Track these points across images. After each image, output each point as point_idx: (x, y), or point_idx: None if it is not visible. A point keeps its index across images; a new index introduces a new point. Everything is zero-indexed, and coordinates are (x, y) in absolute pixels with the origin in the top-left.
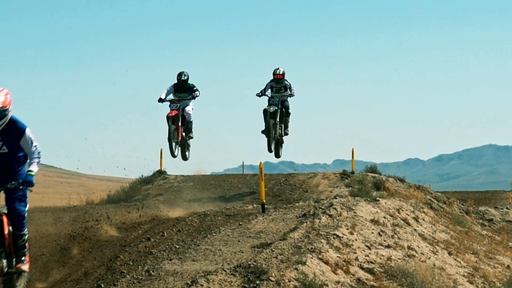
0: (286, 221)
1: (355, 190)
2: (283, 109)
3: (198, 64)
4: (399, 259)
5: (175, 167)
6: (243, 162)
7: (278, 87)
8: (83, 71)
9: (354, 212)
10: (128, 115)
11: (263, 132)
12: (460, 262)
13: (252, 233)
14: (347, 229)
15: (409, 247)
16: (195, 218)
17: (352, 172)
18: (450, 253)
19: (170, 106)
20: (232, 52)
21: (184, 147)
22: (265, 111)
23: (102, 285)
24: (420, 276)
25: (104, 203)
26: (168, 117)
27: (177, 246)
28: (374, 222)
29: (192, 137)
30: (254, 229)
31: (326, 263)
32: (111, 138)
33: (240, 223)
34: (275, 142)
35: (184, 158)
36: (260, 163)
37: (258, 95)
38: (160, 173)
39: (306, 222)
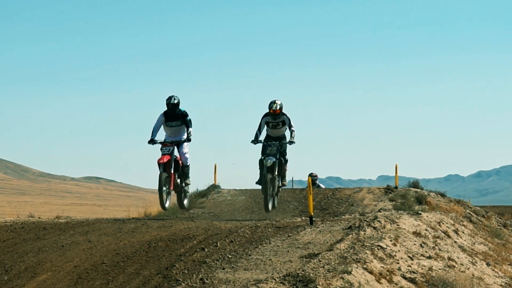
0: (333, 232)
1: (398, 204)
2: (281, 159)
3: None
4: (439, 269)
5: (229, 182)
6: (292, 178)
7: (275, 123)
8: (148, 88)
9: (397, 225)
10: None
11: (257, 183)
12: (497, 273)
13: (300, 244)
14: (391, 240)
15: (449, 258)
16: (247, 230)
17: (396, 187)
18: (488, 264)
19: (161, 149)
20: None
21: (181, 195)
22: (261, 162)
23: None
24: (460, 286)
25: (161, 215)
26: (159, 164)
27: (229, 256)
28: (416, 234)
29: (189, 184)
30: (302, 240)
31: (371, 272)
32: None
33: (289, 234)
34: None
35: (182, 207)
36: (309, 178)
37: (254, 142)
38: (214, 187)
39: (352, 233)
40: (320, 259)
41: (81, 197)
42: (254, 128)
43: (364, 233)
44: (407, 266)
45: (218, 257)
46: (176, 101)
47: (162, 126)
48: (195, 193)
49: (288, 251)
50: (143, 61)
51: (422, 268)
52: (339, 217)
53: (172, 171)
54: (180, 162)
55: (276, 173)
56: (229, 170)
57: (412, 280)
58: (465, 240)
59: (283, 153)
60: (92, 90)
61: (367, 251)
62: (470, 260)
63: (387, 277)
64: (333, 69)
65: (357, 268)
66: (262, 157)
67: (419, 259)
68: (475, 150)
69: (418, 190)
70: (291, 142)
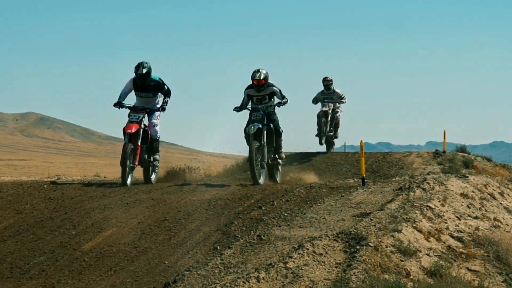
0: (384, 193)
1: (446, 167)
2: (271, 126)
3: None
4: (486, 229)
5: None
6: (345, 143)
7: (260, 96)
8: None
9: (446, 187)
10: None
11: (247, 161)
12: None
13: (353, 204)
14: (439, 201)
15: (495, 219)
16: (302, 190)
17: (444, 152)
18: None
19: (129, 116)
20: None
21: (148, 170)
22: (245, 133)
23: (218, 247)
24: (505, 245)
25: (221, 176)
26: (125, 133)
27: (285, 214)
28: (463, 195)
29: (158, 159)
30: (354, 200)
31: (420, 231)
32: (226, 118)
33: (342, 194)
34: (268, 167)
35: (148, 182)
36: (361, 141)
37: (237, 109)
38: None
39: (402, 194)
40: (372, 218)
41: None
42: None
43: (414, 194)
44: (455, 226)
45: (274, 215)
46: (145, 71)
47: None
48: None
49: (341, 210)
50: None
51: (469, 228)
52: (390, 179)
53: (139, 143)
54: (149, 134)
55: (266, 141)
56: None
57: (459, 239)
58: (510, 202)
59: (271, 117)
60: (156, 56)
61: (416, 211)
62: None
63: (435, 236)
64: (382, 38)
65: (406, 227)
66: (246, 127)
67: (466, 219)
68: None
69: (465, 154)
70: (279, 104)
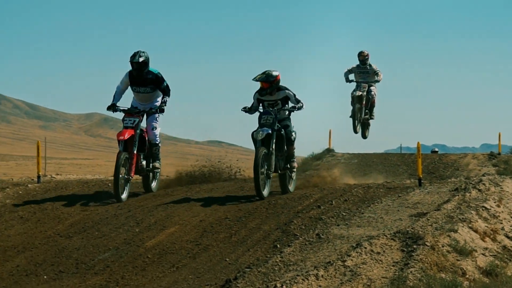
0: (440, 194)
1: (501, 169)
2: (281, 132)
3: None
4: None
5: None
6: (401, 144)
7: (272, 101)
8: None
9: (501, 188)
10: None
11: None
12: None
13: (409, 204)
14: (495, 202)
15: None
16: (359, 190)
17: (499, 154)
18: None
19: (123, 120)
20: None
21: (148, 178)
22: (252, 138)
23: (278, 246)
24: None
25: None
26: (119, 141)
27: (343, 214)
28: None
29: (158, 167)
30: (411, 200)
31: (475, 231)
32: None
33: (399, 195)
34: (280, 177)
35: (148, 191)
36: (418, 142)
37: (245, 110)
38: (329, 151)
39: (458, 195)
40: (428, 218)
41: (203, 159)
42: None
43: (470, 195)
44: (510, 226)
45: (333, 214)
46: (142, 59)
47: (130, 89)
48: (310, 156)
49: (398, 210)
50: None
51: None
52: (446, 180)
53: (135, 151)
54: (147, 139)
55: (275, 149)
56: (343, 135)
57: None
58: None
59: (285, 123)
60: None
61: (472, 211)
62: None
63: (491, 236)
64: (437, 42)
65: (462, 227)
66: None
67: None
68: None
69: None
70: (294, 108)
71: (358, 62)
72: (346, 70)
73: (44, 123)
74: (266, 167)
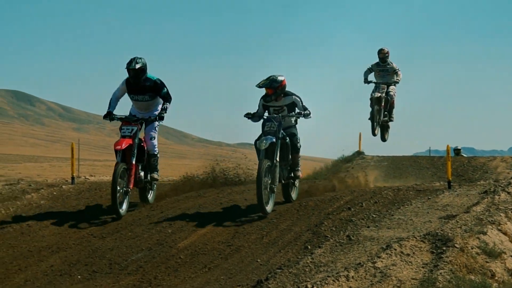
0: (469, 196)
1: None
2: (286, 140)
3: None
4: None
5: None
6: (429, 147)
7: (278, 107)
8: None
9: None
10: (330, 103)
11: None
12: None
13: (439, 206)
14: None
15: None
16: (389, 192)
17: None
18: None
19: (121, 129)
20: None
21: (145, 190)
22: (256, 147)
23: (309, 247)
24: None
25: (310, 178)
26: (116, 151)
27: (374, 216)
28: None
29: (157, 179)
30: (441, 203)
31: (505, 233)
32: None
33: (429, 197)
34: (283, 186)
35: (145, 202)
36: (447, 145)
37: (249, 116)
38: (359, 153)
39: (487, 197)
40: (458, 220)
41: (234, 161)
42: None
43: (499, 198)
44: None
45: (363, 216)
46: (138, 66)
47: (128, 97)
48: (341, 159)
49: (428, 212)
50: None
51: None
52: (475, 183)
53: (134, 161)
54: (145, 149)
55: (280, 158)
56: (373, 138)
57: None
58: None
59: (291, 130)
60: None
61: (501, 214)
62: None
63: None
64: (468, 44)
65: (492, 229)
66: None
67: None
68: None
69: None
70: (300, 114)
71: (377, 60)
72: (366, 69)
73: (77, 125)
74: (269, 181)
